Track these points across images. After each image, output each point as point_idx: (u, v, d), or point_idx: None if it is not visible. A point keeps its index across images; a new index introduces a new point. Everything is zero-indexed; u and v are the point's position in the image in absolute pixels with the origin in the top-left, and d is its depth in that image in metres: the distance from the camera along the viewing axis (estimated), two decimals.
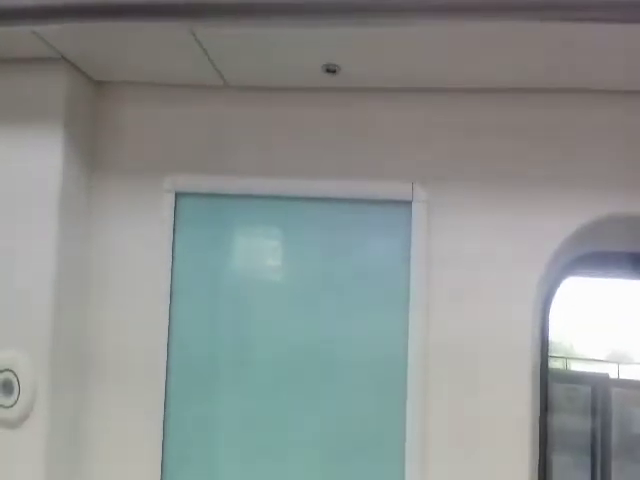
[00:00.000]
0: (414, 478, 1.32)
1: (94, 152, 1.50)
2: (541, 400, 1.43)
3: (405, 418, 1.33)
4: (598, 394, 3.55)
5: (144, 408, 1.43)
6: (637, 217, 1.28)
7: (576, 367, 4.39)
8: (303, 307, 1.40)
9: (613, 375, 4.06)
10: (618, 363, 4.26)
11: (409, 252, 1.32)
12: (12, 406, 1.38)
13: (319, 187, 1.38)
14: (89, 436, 1.45)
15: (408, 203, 1.33)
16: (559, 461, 3.48)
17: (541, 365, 1.43)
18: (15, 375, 1.39)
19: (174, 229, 1.44)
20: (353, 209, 1.37)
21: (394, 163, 1.36)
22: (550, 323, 1.43)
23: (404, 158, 1.36)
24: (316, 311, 1.39)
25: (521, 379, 1.33)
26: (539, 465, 1.41)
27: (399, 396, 1.33)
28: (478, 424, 1.33)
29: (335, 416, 1.37)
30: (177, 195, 1.44)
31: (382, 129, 1.38)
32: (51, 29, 1.23)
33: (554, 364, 4.06)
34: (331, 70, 1.32)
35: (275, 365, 1.40)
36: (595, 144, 1.31)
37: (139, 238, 1.46)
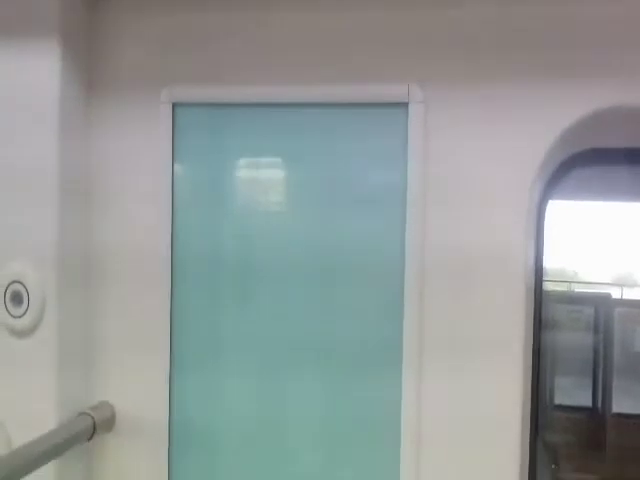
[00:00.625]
0: (410, 386, 1.37)
1: (91, 64, 1.49)
2: (535, 309, 1.45)
3: (402, 325, 1.36)
4: (600, 314, 3.60)
5: (151, 312, 1.47)
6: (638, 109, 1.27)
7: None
8: (303, 212, 1.42)
9: (616, 295, 4.11)
10: (622, 286, 4.30)
11: (406, 154, 1.32)
12: (22, 316, 1.42)
13: (316, 92, 1.37)
14: (98, 341, 1.50)
15: (405, 105, 1.32)
16: (561, 382, 3.56)
17: (536, 270, 1.45)
18: (24, 286, 1.42)
19: (173, 140, 1.44)
20: (350, 113, 1.36)
21: (390, 65, 1.35)
22: (546, 225, 1.43)
23: (400, 60, 1.35)
24: (316, 214, 1.41)
25: (515, 283, 1.35)
26: (532, 384, 1.44)
27: (396, 298, 1.36)
28: (472, 335, 1.36)
29: (338, 326, 1.41)
30: (174, 106, 1.43)
31: (378, 31, 1.36)
32: None
33: (558, 288, 4.10)
34: None
35: (277, 268, 1.43)
36: (594, 32, 1.28)
37: (139, 149, 1.47)
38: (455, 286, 1.37)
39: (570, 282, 4.37)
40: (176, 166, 1.46)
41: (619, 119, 1.32)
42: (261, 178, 1.47)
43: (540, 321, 1.49)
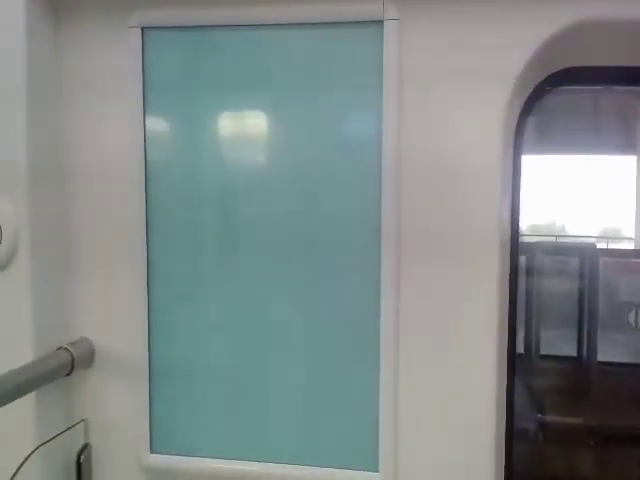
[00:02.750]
0: (389, 296, 1.36)
1: None
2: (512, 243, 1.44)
3: (381, 236, 1.36)
4: (586, 265, 3.62)
5: (129, 244, 1.45)
6: (620, 22, 1.24)
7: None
8: (279, 137, 1.40)
9: (601, 245, 4.13)
10: (608, 239, 4.32)
11: (381, 73, 1.30)
12: None
13: (291, 12, 1.33)
14: (76, 277, 1.47)
15: (379, 22, 1.29)
16: (546, 332, 3.59)
17: (513, 189, 1.43)
18: None
19: (143, 67, 1.40)
20: (325, 34, 1.33)
21: None
22: (523, 146, 1.41)
23: None
24: (294, 138, 1.38)
25: (490, 202, 1.34)
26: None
27: (374, 206, 1.36)
28: (449, 242, 1.36)
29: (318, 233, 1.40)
30: (144, 30, 1.39)
31: None
32: None
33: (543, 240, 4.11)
34: None
35: (256, 195, 1.41)
36: None
37: (108, 77, 1.43)
38: (432, 196, 1.36)
39: (556, 236, 4.38)
40: (147, 95, 1.42)
41: (594, 35, 1.29)
42: (237, 105, 1.44)
43: (517, 235, 1.47)
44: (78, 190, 1.48)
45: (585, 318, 3.63)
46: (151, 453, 1.46)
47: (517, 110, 1.36)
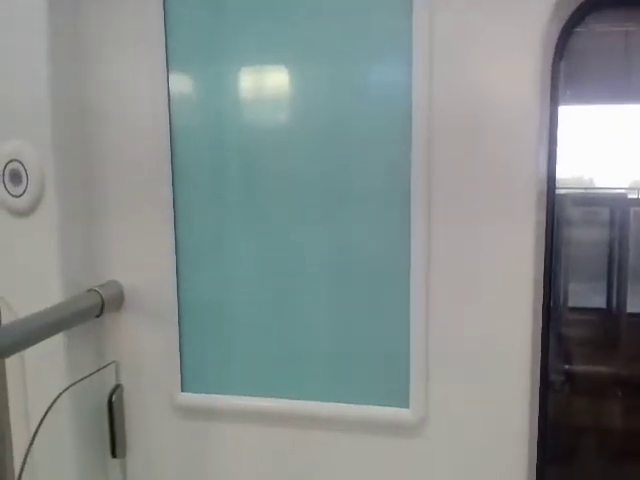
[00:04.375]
0: (420, 236, 1.34)
1: None
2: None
3: (410, 176, 1.33)
4: (616, 215, 3.54)
5: (154, 184, 1.44)
6: None
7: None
8: (308, 86, 1.38)
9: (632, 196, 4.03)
10: (639, 190, 4.21)
11: (412, 9, 1.26)
12: (22, 195, 1.40)
13: None
14: (102, 219, 1.47)
15: None
16: (575, 284, 3.55)
17: (551, 123, 1.37)
18: (22, 164, 1.39)
19: (166, 14, 1.38)
20: None
21: None
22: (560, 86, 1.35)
23: None
24: (324, 79, 1.35)
25: (527, 141, 1.30)
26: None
27: (404, 156, 1.32)
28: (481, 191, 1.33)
29: (346, 173, 1.38)
30: None
31: None
32: None
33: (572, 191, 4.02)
34: None
35: (282, 142, 1.40)
36: None
37: (132, 29, 1.40)
38: (464, 146, 1.32)
39: (585, 189, 4.29)
40: (171, 47, 1.40)
41: None
42: (263, 55, 1.41)
43: (554, 186, 1.43)
44: (103, 137, 1.47)
45: (615, 269, 3.56)
46: (182, 392, 1.47)
47: (551, 53, 1.30)
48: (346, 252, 1.40)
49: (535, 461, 1.43)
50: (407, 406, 1.38)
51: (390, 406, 1.39)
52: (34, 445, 1.36)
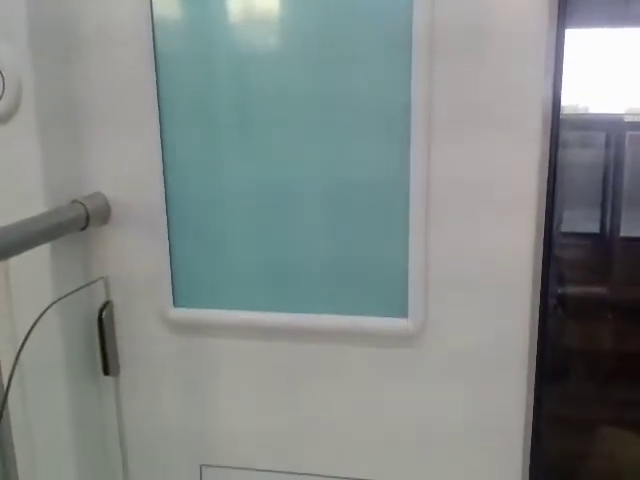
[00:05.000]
0: (420, 149, 1.27)
1: None
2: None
3: (410, 89, 1.25)
4: (612, 138, 3.48)
5: (137, 87, 1.35)
6: None
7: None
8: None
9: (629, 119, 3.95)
10: (634, 115, 4.13)
11: None
12: None
13: None
14: (84, 127, 1.39)
15: None
16: (568, 213, 3.52)
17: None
18: None
19: None
20: None
21: None
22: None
23: None
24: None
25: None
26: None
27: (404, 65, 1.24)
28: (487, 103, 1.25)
29: (343, 84, 1.29)
30: None
31: None
32: None
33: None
34: None
35: (275, 100, 1.32)
36: None
37: None
38: (467, 64, 1.24)
39: (581, 114, 4.21)
40: None
41: None
42: None
43: (559, 110, 1.36)
44: (84, 44, 1.36)
45: (609, 194, 3.52)
46: (174, 307, 1.43)
47: None
48: (343, 168, 1.33)
49: (534, 377, 1.41)
50: (406, 316, 1.35)
51: (388, 316, 1.36)
52: (24, 365, 1.32)
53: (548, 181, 1.32)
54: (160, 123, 1.36)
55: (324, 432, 1.44)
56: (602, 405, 2.78)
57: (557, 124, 1.33)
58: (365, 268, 1.36)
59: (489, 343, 1.35)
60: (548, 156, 1.30)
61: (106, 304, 1.45)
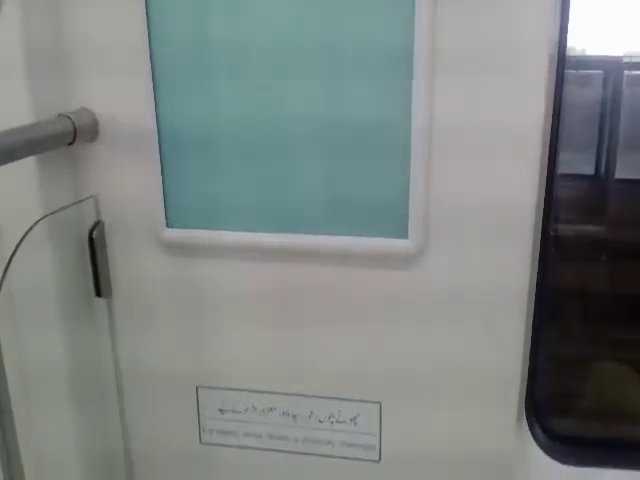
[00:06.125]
0: (421, 90, 1.21)
1: None
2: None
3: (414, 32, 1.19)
4: (610, 79, 3.42)
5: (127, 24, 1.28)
6: None
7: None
8: None
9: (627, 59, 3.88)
10: (632, 57, 4.06)
11: None
12: None
13: None
14: (72, 44, 1.31)
15: None
16: (564, 151, 3.47)
17: None
18: None
19: None
20: None
21: None
22: None
23: None
24: None
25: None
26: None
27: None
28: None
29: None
30: None
31: None
32: None
33: None
34: None
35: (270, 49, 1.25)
36: None
37: None
38: (472, 8, 1.18)
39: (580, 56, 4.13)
40: None
41: None
42: None
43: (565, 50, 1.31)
44: None
45: (605, 135, 3.48)
46: (167, 228, 1.38)
47: None
48: (345, 100, 1.27)
49: (532, 314, 1.39)
50: (406, 236, 1.31)
51: (388, 237, 1.32)
52: (14, 284, 1.29)
53: (553, 121, 1.27)
54: (150, 46, 1.28)
55: (322, 355, 1.42)
56: (595, 345, 2.80)
57: (563, 65, 1.28)
58: (365, 189, 1.32)
59: (490, 274, 1.32)
60: (553, 97, 1.25)
61: (96, 224, 1.40)
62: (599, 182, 3.52)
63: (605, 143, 3.46)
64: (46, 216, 1.27)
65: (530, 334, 1.41)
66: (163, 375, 1.49)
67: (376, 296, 1.37)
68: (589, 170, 3.56)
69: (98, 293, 1.42)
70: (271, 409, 1.49)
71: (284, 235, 1.35)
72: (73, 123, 1.29)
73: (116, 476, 1.60)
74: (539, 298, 1.41)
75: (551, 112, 1.26)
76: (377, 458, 1.48)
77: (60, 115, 1.29)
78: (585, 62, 3.68)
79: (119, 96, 1.34)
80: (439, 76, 1.22)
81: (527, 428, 1.48)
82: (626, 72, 3.41)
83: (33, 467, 1.33)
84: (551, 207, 1.39)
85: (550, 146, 1.29)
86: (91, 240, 1.39)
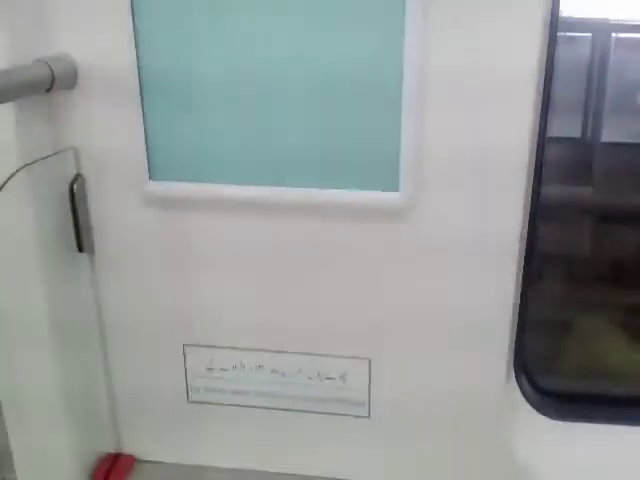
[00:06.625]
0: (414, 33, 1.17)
1: None
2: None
3: None
4: (597, 41, 3.39)
5: None
6: None
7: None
8: None
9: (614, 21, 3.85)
10: (618, 20, 4.02)
11: None
12: None
13: None
14: None
15: None
16: (550, 115, 3.44)
17: None
18: None
19: None
20: None
21: None
22: None
23: None
24: None
25: None
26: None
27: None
28: None
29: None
30: None
31: None
32: None
33: None
34: None
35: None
36: None
37: None
38: None
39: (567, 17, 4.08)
40: None
41: None
42: None
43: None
44: None
45: (592, 98, 3.46)
46: (150, 180, 1.34)
47: None
48: (333, 47, 1.22)
49: (522, 272, 1.38)
50: (396, 189, 1.28)
51: (379, 190, 1.29)
52: None
53: (545, 81, 1.24)
54: None
55: (311, 311, 1.40)
56: (579, 306, 2.82)
57: (555, 25, 1.25)
58: (355, 141, 1.28)
59: (481, 228, 1.30)
60: (546, 59, 1.22)
61: (77, 177, 1.35)
62: (585, 145, 3.52)
63: (591, 107, 3.45)
64: (24, 166, 1.22)
65: (520, 289, 1.40)
66: (149, 333, 1.46)
67: (366, 250, 1.34)
68: (576, 133, 3.56)
69: (80, 248, 1.38)
70: (259, 366, 1.47)
71: (271, 188, 1.31)
72: (51, 69, 1.24)
73: (103, 437, 1.58)
74: (529, 253, 1.39)
75: (544, 73, 1.24)
76: (366, 414, 1.48)
77: (38, 60, 1.23)
78: (573, 24, 3.64)
79: (99, 42, 1.29)
80: (432, 24, 1.18)
81: (515, 382, 1.48)
82: (615, 35, 3.38)
83: (16, 420, 1.31)
84: (542, 164, 1.37)
85: (542, 104, 1.26)
86: (72, 194, 1.34)
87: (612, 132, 3.48)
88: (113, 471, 1.55)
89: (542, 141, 1.33)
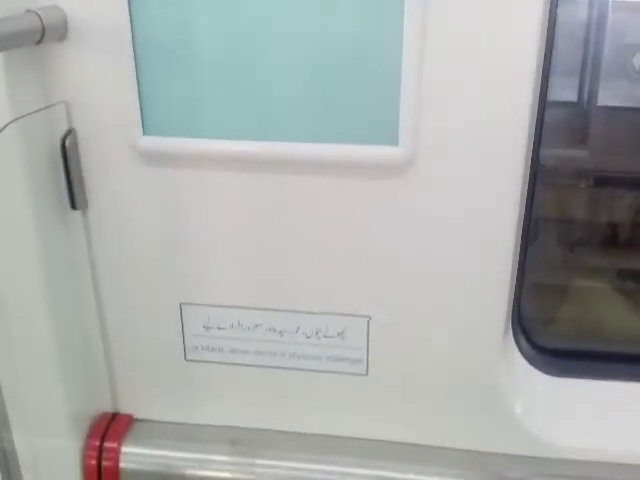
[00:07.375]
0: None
1: None
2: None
3: None
4: (594, 6, 3.34)
5: None
6: None
7: None
8: None
9: None
10: None
11: None
12: None
13: None
14: None
15: None
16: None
17: None
18: None
19: None
20: None
21: None
22: None
23: None
24: None
25: None
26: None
27: None
28: None
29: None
30: None
31: None
32: None
33: None
34: None
35: None
36: None
37: None
38: None
39: None
40: None
41: None
42: None
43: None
44: None
45: (588, 62, 3.42)
46: (144, 135, 1.31)
47: None
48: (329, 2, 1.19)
49: (520, 234, 1.37)
50: (396, 144, 1.26)
51: (378, 144, 1.27)
52: None
53: (546, 49, 1.20)
54: None
55: (309, 268, 1.39)
56: (575, 270, 2.83)
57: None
58: (353, 94, 1.25)
59: (482, 185, 1.28)
60: (547, 25, 1.17)
61: (69, 132, 1.32)
62: (581, 109, 3.49)
63: (587, 71, 3.41)
64: (13, 120, 1.19)
65: (519, 248, 1.39)
66: (144, 291, 1.45)
67: (365, 206, 1.33)
68: (572, 97, 3.52)
69: (73, 205, 1.36)
70: (257, 325, 1.47)
71: (267, 143, 1.29)
72: (41, 19, 1.20)
73: (100, 396, 1.58)
74: (529, 211, 1.38)
75: (545, 35, 1.20)
76: (364, 372, 1.48)
77: (28, 11, 1.20)
78: None
79: None
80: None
81: (512, 339, 1.48)
82: None
83: (10, 380, 1.30)
84: (542, 129, 1.35)
85: (543, 70, 1.24)
86: (64, 149, 1.31)
87: (609, 96, 3.46)
88: (110, 430, 1.55)
89: (542, 105, 1.30)
